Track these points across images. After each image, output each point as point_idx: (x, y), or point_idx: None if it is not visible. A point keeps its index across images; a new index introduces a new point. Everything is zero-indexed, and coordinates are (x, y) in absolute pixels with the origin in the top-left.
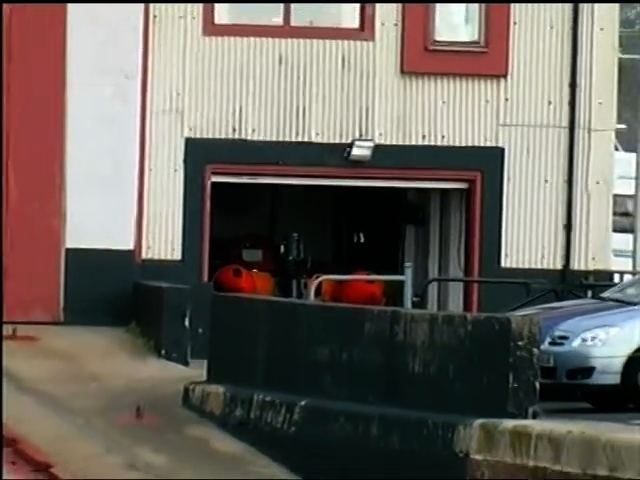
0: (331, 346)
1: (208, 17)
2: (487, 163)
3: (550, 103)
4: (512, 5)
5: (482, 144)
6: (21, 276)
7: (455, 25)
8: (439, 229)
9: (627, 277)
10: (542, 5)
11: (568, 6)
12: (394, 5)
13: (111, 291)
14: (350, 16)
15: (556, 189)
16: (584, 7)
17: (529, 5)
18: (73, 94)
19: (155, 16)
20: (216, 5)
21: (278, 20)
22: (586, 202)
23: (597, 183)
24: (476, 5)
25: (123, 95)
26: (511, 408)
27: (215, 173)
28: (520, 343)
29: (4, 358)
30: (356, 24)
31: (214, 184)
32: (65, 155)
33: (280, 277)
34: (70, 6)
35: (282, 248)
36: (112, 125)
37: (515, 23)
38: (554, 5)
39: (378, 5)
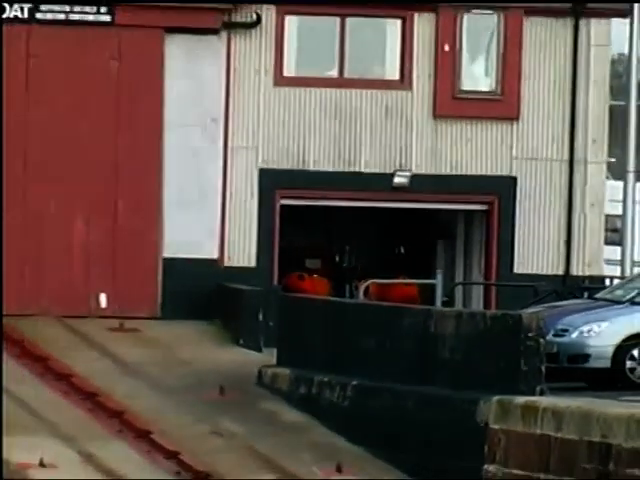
0: (376, 337)
1: (278, 71)
2: (502, 189)
3: (553, 141)
4: (523, 61)
5: (498, 174)
6: (127, 280)
7: (477, 77)
8: (464, 243)
9: (616, 281)
10: (547, 62)
11: (568, 62)
12: (428, 60)
13: (199, 292)
14: (392, 70)
15: (558, 210)
16: (582, 63)
17: (537, 62)
18: (170, 133)
19: (235, 70)
20: (284, 61)
21: (334, 73)
22: (583, 220)
23: (592, 205)
24: (494, 60)
25: (210, 134)
26: (522, 387)
27: (283, 197)
28: (529, 335)
29: (113, 346)
30: (397, 77)
31: (282, 206)
32: (163, 183)
33: (335, 281)
34: (167, 62)
35: (337, 258)
36: (201, 158)
37: (524, 77)
38: (557, 62)
39: (415, 60)
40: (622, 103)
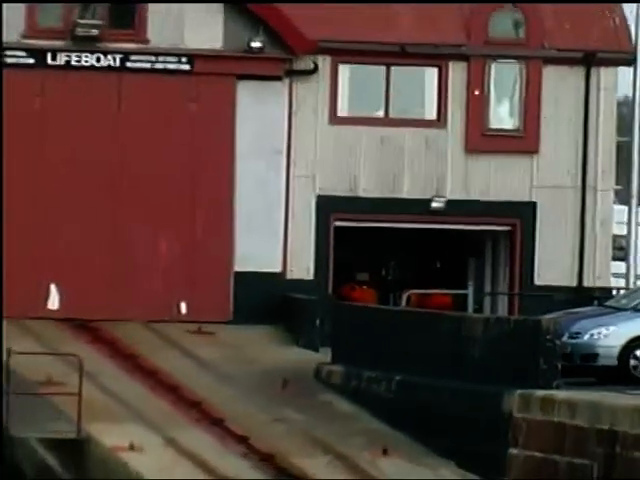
0: (416, 339)
1: (332, 112)
2: (524, 213)
3: (568, 171)
4: (542, 104)
5: (521, 200)
6: (204, 290)
7: (502, 118)
8: (491, 259)
9: (621, 292)
10: (562, 104)
11: (581, 105)
12: (461, 102)
13: (265, 300)
14: (430, 111)
15: (572, 230)
16: (592, 106)
17: (553, 104)
18: (241, 163)
19: (296, 110)
20: (338, 103)
21: (380, 113)
22: (593, 240)
23: (601, 226)
24: (517, 103)
25: (274, 165)
26: (541, 382)
27: (337, 219)
28: (547, 337)
29: (192, 346)
30: (434, 116)
31: (336, 227)
32: (234, 207)
33: (381, 292)
34: (238, 104)
35: (383, 271)
36: (267, 185)
37: (543, 117)
38: (571, 104)
39: (449, 102)
40: (627, 139)
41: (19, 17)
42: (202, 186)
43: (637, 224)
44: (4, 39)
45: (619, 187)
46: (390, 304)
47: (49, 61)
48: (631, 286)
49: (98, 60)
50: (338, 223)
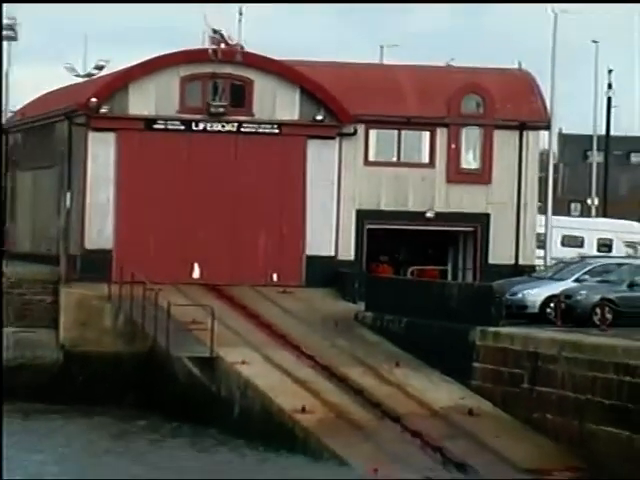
0: (417, 296)
1: (365, 158)
2: (482, 220)
3: (509, 194)
4: (493, 153)
5: (480, 212)
6: (288, 266)
7: (469, 162)
8: (462, 247)
9: (541, 268)
10: (506, 153)
11: (517, 153)
12: (443, 152)
13: (324, 272)
14: (425, 157)
15: (511, 230)
16: (524, 154)
17: (501, 153)
18: (309, 190)
19: (343, 157)
20: (369, 152)
21: (394, 159)
22: (524, 236)
23: (529, 228)
24: (478, 152)
25: (329, 191)
26: (493, 322)
27: (368, 224)
28: (496, 295)
29: (280, 301)
30: (427, 160)
31: (368, 229)
32: (306, 217)
33: (394, 267)
34: (308, 154)
35: (396, 255)
36: (325, 204)
37: (494, 161)
38: (511, 153)
39: (436, 152)
40: (543, 174)
41: (175, 99)
42: (286, 204)
43: (550, 227)
44: (163, 113)
45: (540, 204)
46: (400, 275)
47: (193, 127)
48: (547, 264)
49: (223, 127)
50: (369, 226)
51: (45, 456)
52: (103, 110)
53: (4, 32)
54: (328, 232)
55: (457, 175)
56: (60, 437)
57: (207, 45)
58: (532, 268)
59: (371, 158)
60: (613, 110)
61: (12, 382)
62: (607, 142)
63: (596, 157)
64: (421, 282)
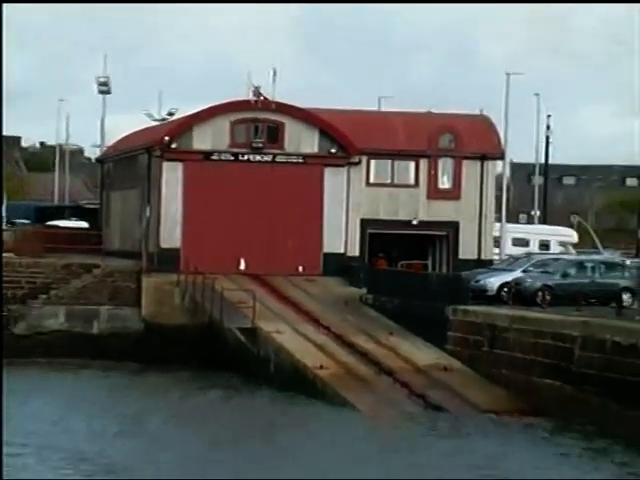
0: (406, 282)
1: (367, 180)
2: (454, 226)
3: (474, 208)
4: (462, 177)
5: (452, 220)
6: (310, 261)
7: (444, 183)
8: (439, 247)
9: (497, 262)
10: (471, 177)
11: (479, 177)
12: (425, 176)
13: (337, 266)
14: (411, 179)
15: (475, 234)
16: (485, 178)
17: (468, 177)
18: (326, 206)
19: (350, 180)
20: (370, 176)
21: (389, 180)
22: (485, 238)
23: (488, 233)
24: (451, 176)
25: (340, 206)
26: (462, 302)
27: (370, 229)
28: (465, 282)
29: (304, 286)
30: (413, 182)
31: (370, 233)
32: (323, 225)
33: (389, 262)
34: (325, 178)
35: (391, 253)
36: (337, 216)
37: (463, 183)
38: (476, 177)
39: (420, 176)
40: (498, 193)
41: (226, 137)
42: (308, 215)
43: (505, 232)
44: (217, 148)
45: (496, 215)
46: (393, 267)
47: (239, 158)
48: (502, 259)
49: (262, 158)
50: (370, 231)
51: (130, 398)
52: (173, 146)
53: (101, 87)
54: (339, 235)
55: (435, 193)
56: (143, 387)
57: (250, 97)
58: (490, 262)
59: (371, 181)
60: (550, 145)
61: (106, 346)
62: (546, 169)
63: (538, 180)
64: (409, 272)
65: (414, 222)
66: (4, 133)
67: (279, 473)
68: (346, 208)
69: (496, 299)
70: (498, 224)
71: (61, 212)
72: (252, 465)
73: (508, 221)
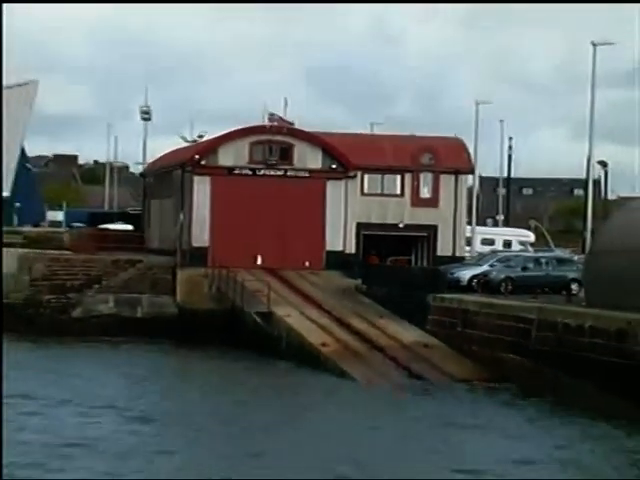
0: (394, 275)
1: (361, 190)
2: (433, 229)
3: (450, 214)
4: (439, 188)
5: (431, 224)
6: (315, 257)
7: (425, 193)
8: (420, 245)
9: (469, 259)
10: (446, 188)
11: (454, 189)
12: (409, 187)
13: (337, 261)
14: (398, 190)
15: (451, 236)
16: (459, 190)
17: (444, 189)
18: (328, 212)
19: (348, 190)
20: (364, 187)
21: (379, 191)
22: (459, 237)
23: (461, 235)
24: (431, 188)
25: (340, 212)
26: (440, 291)
27: (364, 231)
28: (442, 274)
29: (310, 278)
30: (399, 192)
31: (363, 234)
32: (325, 228)
33: (380, 258)
34: (327, 189)
35: (382, 250)
36: (337, 220)
37: (441, 193)
38: (450, 189)
39: (406, 188)
40: (470, 202)
41: (246, 155)
42: (313, 219)
43: (475, 233)
44: (238, 164)
45: (468, 219)
46: (383, 262)
47: (257, 173)
48: (472, 256)
49: (275, 172)
50: (364, 232)
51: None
52: (202, 162)
53: (143, 115)
54: (339, 236)
55: (417, 201)
56: (178, 360)
57: (265, 122)
58: (463, 258)
59: (365, 191)
60: (512, 162)
61: (147, 327)
62: (508, 182)
63: (501, 191)
64: (395, 266)
65: (400, 225)
66: (63, 152)
67: (300, 422)
68: (344, 214)
69: (468, 288)
70: (469, 227)
71: (110, 217)
72: (276, 416)
73: (477, 224)
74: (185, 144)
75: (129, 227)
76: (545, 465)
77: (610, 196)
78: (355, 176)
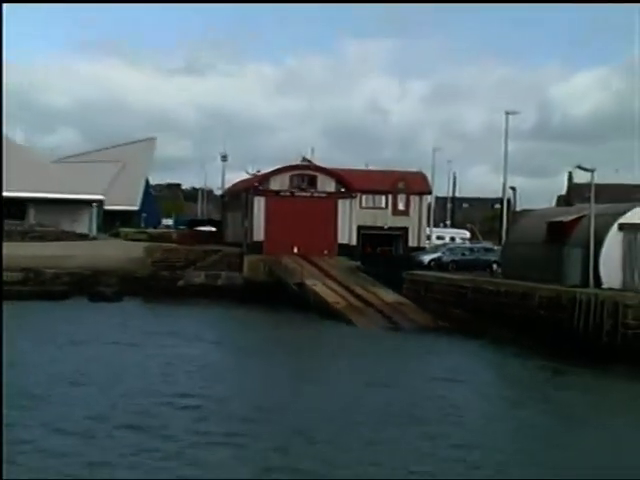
0: (382, 260)
1: (359, 205)
2: (405, 229)
3: (419, 220)
4: (409, 205)
5: (404, 226)
6: (330, 248)
7: (401, 207)
8: (398, 240)
9: (428, 248)
10: (414, 205)
11: (419, 206)
12: (391, 204)
13: (345, 250)
14: (384, 204)
15: (417, 234)
16: (422, 207)
17: (414, 205)
18: (340, 221)
19: (352, 205)
20: (362, 202)
21: (373, 205)
22: (422, 234)
23: (425, 232)
24: (404, 205)
25: (348, 220)
26: (410, 269)
27: (363, 230)
28: (412, 258)
29: (327, 261)
30: (384, 206)
31: (363, 234)
32: (337, 228)
33: (373, 248)
34: (339, 206)
35: (374, 243)
36: (345, 224)
37: (410, 213)
38: (416, 205)
39: (389, 203)
40: (429, 213)
41: (287, 183)
42: (329, 224)
43: (431, 232)
44: (282, 189)
45: (428, 224)
46: (375, 251)
47: (294, 194)
48: (430, 247)
49: (306, 194)
50: (362, 232)
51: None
52: (260, 188)
53: (222, 158)
54: (346, 234)
55: (396, 212)
56: (244, 314)
57: (299, 162)
58: (424, 248)
59: (362, 206)
60: (456, 187)
61: (225, 293)
62: (453, 200)
63: (449, 205)
64: (382, 254)
65: (385, 227)
66: (172, 181)
67: (328, 349)
68: (349, 220)
69: (428, 267)
70: (429, 228)
71: (202, 222)
72: (312, 343)
73: (433, 226)
74: (248, 176)
75: (214, 229)
76: (463, 371)
77: (517, 209)
78: (356, 196)
